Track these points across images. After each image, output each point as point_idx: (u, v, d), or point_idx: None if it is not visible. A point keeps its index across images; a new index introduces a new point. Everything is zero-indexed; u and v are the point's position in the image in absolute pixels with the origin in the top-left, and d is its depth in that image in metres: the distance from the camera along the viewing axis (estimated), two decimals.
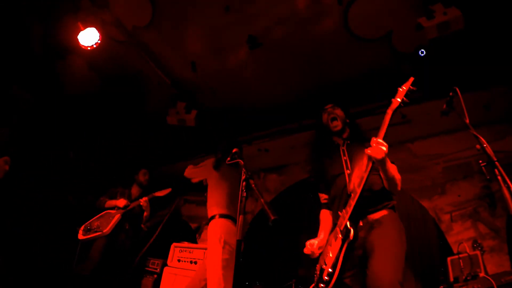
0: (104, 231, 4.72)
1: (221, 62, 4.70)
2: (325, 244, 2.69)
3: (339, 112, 3.06)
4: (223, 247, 3.57)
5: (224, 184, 4.01)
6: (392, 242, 2.42)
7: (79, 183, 6.28)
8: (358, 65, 4.51)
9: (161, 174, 6.24)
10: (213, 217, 3.86)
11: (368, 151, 2.34)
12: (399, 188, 2.58)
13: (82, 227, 4.86)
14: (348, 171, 2.74)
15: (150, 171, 5.53)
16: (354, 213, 2.43)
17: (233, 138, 4.62)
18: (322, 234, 2.80)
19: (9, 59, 4.59)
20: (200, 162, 4.46)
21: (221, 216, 3.82)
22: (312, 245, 2.68)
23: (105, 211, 4.98)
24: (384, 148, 2.30)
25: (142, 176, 5.44)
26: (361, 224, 2.48)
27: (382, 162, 2.35)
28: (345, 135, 3.01)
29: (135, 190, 5.39)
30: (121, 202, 4.94)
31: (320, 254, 2.66)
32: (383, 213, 2.56)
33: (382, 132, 2.37)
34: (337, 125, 2.99)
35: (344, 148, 2.92)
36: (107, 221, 4.83)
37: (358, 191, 2.41)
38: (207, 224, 3.93)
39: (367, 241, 2.46)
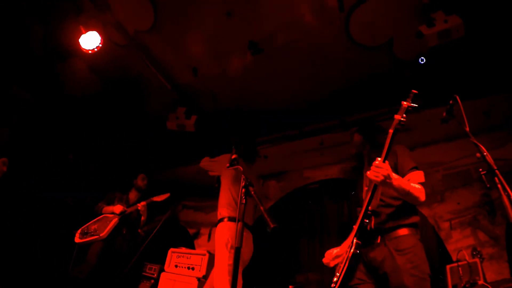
0: (101, 235, 4.70)
1: (222, 67, 4.70)
2: (342, 253, 2.72)
3: (354, 139, 3.14)
4: (230, 252, 3.49)
5: (237, 185, 3.90)
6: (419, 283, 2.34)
7: (78, 184, 6.26)
8: (359, 72, 4.52)
9: (160, 178, 6.23)
10: (222, 220, 3.76)
11: (368, 173, 2.32)
12: (422, 200, 2.46)
13: (79, 230, 4.83)
14: (366, 188, 2.75)
15: (149, 175, 5.52)
16: (359, 231, 2.45)
17: (250, 138, 4.59)
18: (342, 244, 2.85)
19: (9, 59, 4.59)
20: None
21: (230, 219, 3.73)
22: (329, 254, 2.77)
23: (103, 215, 4.96)
24: (385, 171, 2.26)
25: (140, 181, 5.42)
26: (378, 241, 2.47)
27: (384, 184, 2.30)
28: (369, 148, 3.03)
29: (133, 195, 5.36)
30: (118, 209, 4.91)
31: (338, 263, 2.70)
32: (403, 232, 2.49)
33: (384, 153, 2.33)
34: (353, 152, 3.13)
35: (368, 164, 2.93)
36: (104, 225, 4.81)
37: (362, 211, 2.41)
38: (215, 226, 3.85)
39: (391, 270, 2.40)
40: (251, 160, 4.35)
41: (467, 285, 3.57)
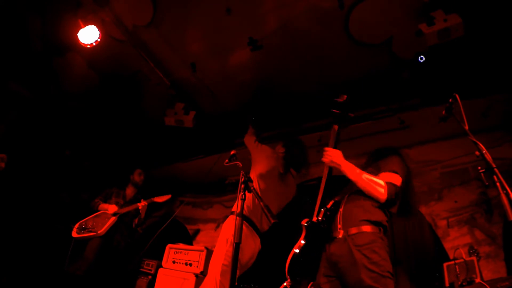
0: (99, 232, 4.70)
1: (221, 64, 4.69)
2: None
3: None
4: (228, 251, 3.27)
5: (268, 181, 3.68)
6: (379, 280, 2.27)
7: (75, 181, 6.24)
8: (358, 70, 4.51)
9: (158, 174, 6.22)
10: (233, 213, 3.51)
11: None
12: (377, 195, 2.49)
13: (76, 225, 4.83)
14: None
15: (146, 171, 5.50)
16: (307, 229, 2.68)
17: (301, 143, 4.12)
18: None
19: (6, 54, 4.56)
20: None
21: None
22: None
23: (101, 211, 4.95)
24: (331, 153, 2.60)
25: (137, 176, 5.41)
26: (340, 235, 2.46)
27: (331, 163, 2.60)
28: None
29: (130, 191, 5.36)
30: (112, 209, 4.90)
31: None
32: (365, 228, 2.46)
33: (330, 141, 2.69)
34: None
35: None
36: (103, 221, 4.80)
37: (317, 206, 2.68)
38: (225, 219, 3.63)
39: (348, 265, 2.38)
40: (298, 168, 3.99)
41: (464, 283, 3.59)
